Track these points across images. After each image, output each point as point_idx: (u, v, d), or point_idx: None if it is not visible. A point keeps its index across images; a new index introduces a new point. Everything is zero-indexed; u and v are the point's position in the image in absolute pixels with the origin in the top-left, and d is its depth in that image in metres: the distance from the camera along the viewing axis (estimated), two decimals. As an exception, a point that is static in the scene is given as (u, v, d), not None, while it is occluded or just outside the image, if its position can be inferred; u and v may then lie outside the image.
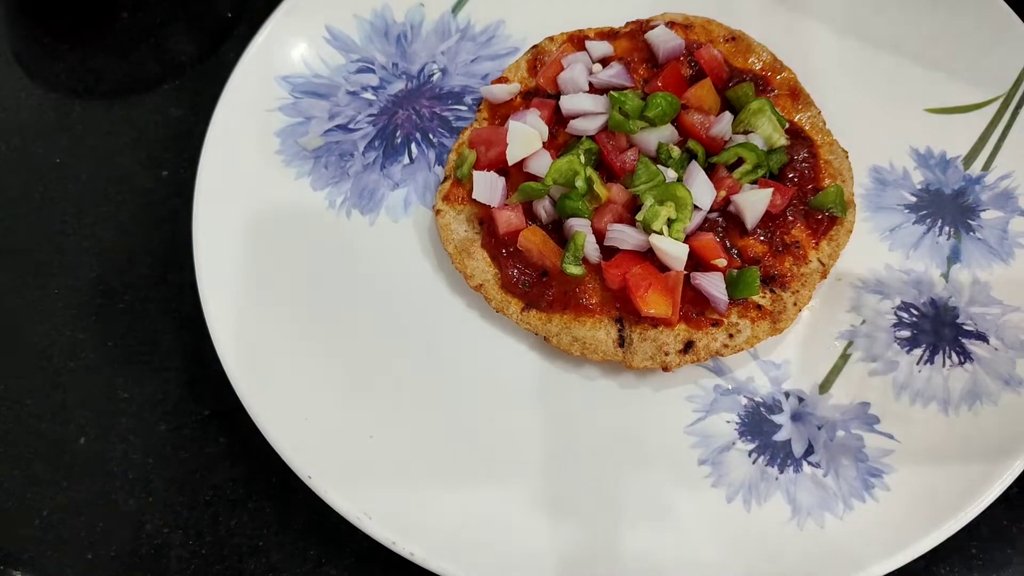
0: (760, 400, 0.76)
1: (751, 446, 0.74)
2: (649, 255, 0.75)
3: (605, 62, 0.86)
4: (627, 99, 0.79)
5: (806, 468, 0.72)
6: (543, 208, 0.78)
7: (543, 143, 0.80)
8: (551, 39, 0.89)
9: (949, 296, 0.79)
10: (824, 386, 0.76)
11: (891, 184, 0.84)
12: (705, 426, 0.75)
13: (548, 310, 0.76)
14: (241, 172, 0.86)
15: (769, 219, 0.77)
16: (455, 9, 0.95)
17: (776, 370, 0.77)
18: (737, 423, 0.75)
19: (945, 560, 0.73)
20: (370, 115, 0.91)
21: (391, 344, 0.79)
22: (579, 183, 0.76)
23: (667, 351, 0.74)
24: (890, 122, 0.86)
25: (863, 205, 0.82)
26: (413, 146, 0.90)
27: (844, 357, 0.77)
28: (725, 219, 0.78)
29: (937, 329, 0.77)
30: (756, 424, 0.75)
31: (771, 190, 0.76)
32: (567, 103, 0.82)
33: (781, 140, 0.79)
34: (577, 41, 0.88)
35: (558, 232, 0.78)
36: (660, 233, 0.74)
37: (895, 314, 0.78)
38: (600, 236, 0.76)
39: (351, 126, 0.90)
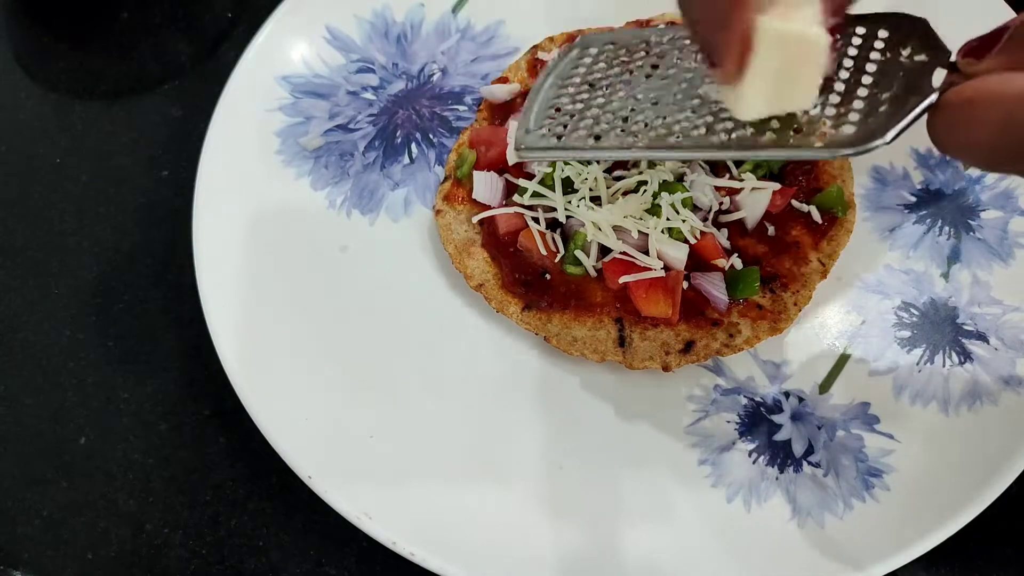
0: (760, 400, 0.76)
1: (751, 446, 0.74)
2: (649, 255, 0.75)
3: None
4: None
5: (806, 468, 0.72)
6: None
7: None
8: (551, 39, 0.89)
9: (949, 296, 0.79)
10: (824, 386, 0.76)
11: (891, 184, 0.84)
12: (705, 426, 0.75)
13: (548, 310, 0.76)
14: (241, 172, 0.86)
15: (769, 219, 0.77)
16: (455, 9, 0.95)
17: (776, 370, 0.77)
18: (737, 423, 0.75)
19: (945, 560, 0.73)
20: (370, 115, 0.91)
21: (391, 344, 0.79)
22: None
23: (667, 351, 0.74)
24: (890, 122, 0.86)
25: (863, 205, 0.82)
26: (413, 146, 0.90)
27: (844, 357, 0.77)
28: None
29: (937, 329, 0.77)
30: (756, 424, 0.75)
31: (771, 190, 0.76)
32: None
33: (781, 140, 0.79)
34: (577, 41, 0.88)
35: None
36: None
37: (895, 314, 0.78)
38: (600, 236, 0.76)
39: (351, 126, 0.90)
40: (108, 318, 0.88)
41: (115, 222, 0.93)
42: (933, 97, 0.49)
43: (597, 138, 0.61)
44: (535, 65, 0.88)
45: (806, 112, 0.52)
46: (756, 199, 0.76)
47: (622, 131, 0.60)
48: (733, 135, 0.55)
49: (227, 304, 0.79)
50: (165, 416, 0.83)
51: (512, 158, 0.77)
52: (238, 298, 0.80)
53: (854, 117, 0.51)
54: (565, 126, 0.63)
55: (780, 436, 0.74)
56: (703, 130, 0.56)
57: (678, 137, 0.57)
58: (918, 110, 0.49)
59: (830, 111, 0.52)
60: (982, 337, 0.76)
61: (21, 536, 0.78)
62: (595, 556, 0.69)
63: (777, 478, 0.72)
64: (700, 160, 0.76)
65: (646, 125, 0.59)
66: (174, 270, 0.89)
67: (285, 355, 0.78)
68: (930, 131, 0.49)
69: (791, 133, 0.52)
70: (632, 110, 0.61)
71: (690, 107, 0.58)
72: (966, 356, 0.76)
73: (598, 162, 0.76)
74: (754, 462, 0.73)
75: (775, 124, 0.53)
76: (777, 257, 0.76)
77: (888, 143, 0.49)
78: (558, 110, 0.64)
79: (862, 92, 0.52)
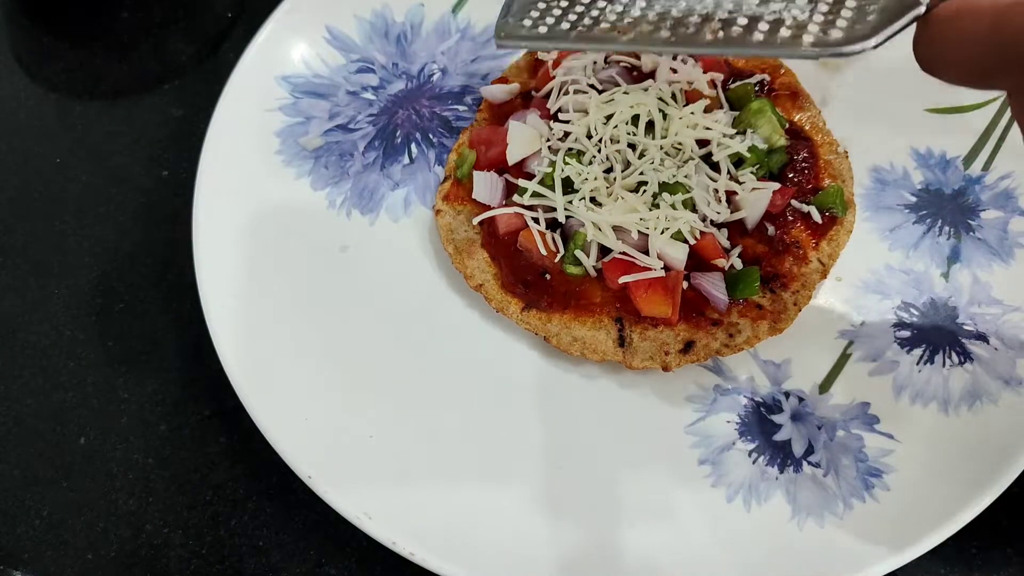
0: (760, 400, 0.76)
1: (751, 446, 0.74)
2: (649, 255, 0.75)
3: (605, 61, 0.86)
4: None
5: (806, 468, 0.72)
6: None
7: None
8: (551, 39, 0.89)
9: (949, 296, 0.79)
10: (824, 386, 0.76)
11: (891, 184, 0.84)
12: (705, 426, 0.75)
13: (548, 310, 0.76)
14: (241, 172, 0.86)
15: (769, 219, 0.77)
16: (455, 9, 0.95)
17: (776, 370, 0.77)
18: (737, 423, 0.75)
19: (945, 560, 0.73)
20: (370, 115, 0.91)
21: (391, 344, 0.79)
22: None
23: (667, 351, 0.74)
24: (890, 122, 0.86)
25: (863, 205, 0.82)
26: (413, 146, 0.90)
27: (844, 357, 0.77)
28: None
29: (937, 329, 0.77)
30: (756, 424, 0.75)
31: (771, 190, 0.76)
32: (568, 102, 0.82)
33: (781, 140, 0.79)
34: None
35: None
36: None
37: (895, 314, 0.78)
38: (600, 236, 0.76)
39: (351, 126, 0.90)
40: (108, 318, 0.88)
41: (115, 222, 0.93)
42: (921, 9, 0.50)
43: (580, 32, 0.59)
44: (535, 65, 0.88)
45: (794, 17, 0.54)
46: (756, 199, 0.76)
47: (608, 26, 0.59)
48: (722, 34, 0.55)
49: (227, 304, 0.79)
50: (165, 416, 0.83)
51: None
52: (238, 298, 0.80)
53: (842, 24, 0.52)
54: (548, 20, 0.61)
55: (780, 436, 0.74)
56: (692, 29, 0.57)
57: (666, 34, 0.57)
58: (906, 19, 0.51)
59: (819, 18, 0.53)
60: (982, 337, 0.76)
61: (21, 536, 0.78)
62: (595, 556, 0.69)
63: (777, 478, 0.72)
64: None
65: (633, 22, 0.58)
66: (174, 270, 0.89)
67: (285, 355, 0.78)
68: (916, 49, 0.51)
69: (779, 35, 0.54)
70: (620, 9, 0.60)
71: (678, 9, 0.58)
72: (966, 356, 0.76)
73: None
74: (754, 462, 0.73)
75: (764, 26, 0.54)
76: (777, 257, 0.76)
77: (873, 48, 0.51)
78: (543, 6, 0.62)
79: (851, 3, 0.53)
